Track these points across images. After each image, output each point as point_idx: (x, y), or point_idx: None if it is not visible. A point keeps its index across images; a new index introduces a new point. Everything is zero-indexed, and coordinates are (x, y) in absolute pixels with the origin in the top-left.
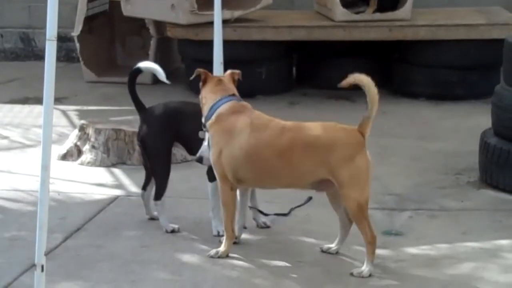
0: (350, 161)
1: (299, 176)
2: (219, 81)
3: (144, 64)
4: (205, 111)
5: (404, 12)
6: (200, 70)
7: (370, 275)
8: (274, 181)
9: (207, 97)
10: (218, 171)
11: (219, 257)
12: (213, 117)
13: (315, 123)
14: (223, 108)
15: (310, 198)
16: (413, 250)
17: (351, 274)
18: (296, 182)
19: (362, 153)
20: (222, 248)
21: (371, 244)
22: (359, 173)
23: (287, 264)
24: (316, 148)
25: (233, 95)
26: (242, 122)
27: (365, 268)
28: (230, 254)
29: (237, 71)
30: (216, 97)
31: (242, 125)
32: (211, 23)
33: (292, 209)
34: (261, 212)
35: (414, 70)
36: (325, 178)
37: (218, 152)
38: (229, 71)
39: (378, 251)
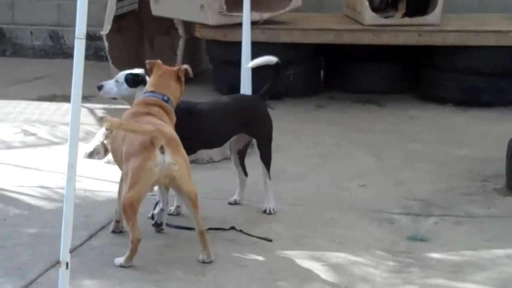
0: (127, 158)
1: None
2: (160, 76)
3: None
4: None
5: (433, 17)
6: (149, 61)
7: (120, 266)
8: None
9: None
10: None
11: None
12: None
13: (152, 119)
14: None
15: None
16: (437, 256)
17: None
18: None
19: (141, 155)
20: None
21: (132, 243)
22: (128, 171)
23: (311, 267)
24: (120, 139)
25: (152, 91)
26: None
27: (119, 259)
28: (256, 256)
29: (184, 67)
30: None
31: None
32: (239, 25)
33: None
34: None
35: (442, 76)
36: None
37: None
38: (177, 67)
39: (402, 257)
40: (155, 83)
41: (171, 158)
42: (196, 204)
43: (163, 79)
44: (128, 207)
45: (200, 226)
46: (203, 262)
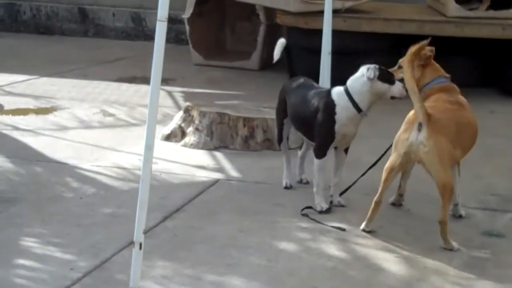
0: None
1: None
2: (433, 63)
3: None
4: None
5: None
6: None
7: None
8: None
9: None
10: None
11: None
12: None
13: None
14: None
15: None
16: None
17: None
18: None
19: (403, 126)
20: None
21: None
22: None
23: (384, 258)
24: None
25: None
26: None
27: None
28: (329, 245)
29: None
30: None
31: None
32: (321, 12)
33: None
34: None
35: None
36: None
37: None
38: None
39: (477, 252)
40: (437, 68)
41: (423, 138)
42: (443, 195)
43: (436, 65)
44: (383, 172)
45: (440, 215)
46: (445, 248)
